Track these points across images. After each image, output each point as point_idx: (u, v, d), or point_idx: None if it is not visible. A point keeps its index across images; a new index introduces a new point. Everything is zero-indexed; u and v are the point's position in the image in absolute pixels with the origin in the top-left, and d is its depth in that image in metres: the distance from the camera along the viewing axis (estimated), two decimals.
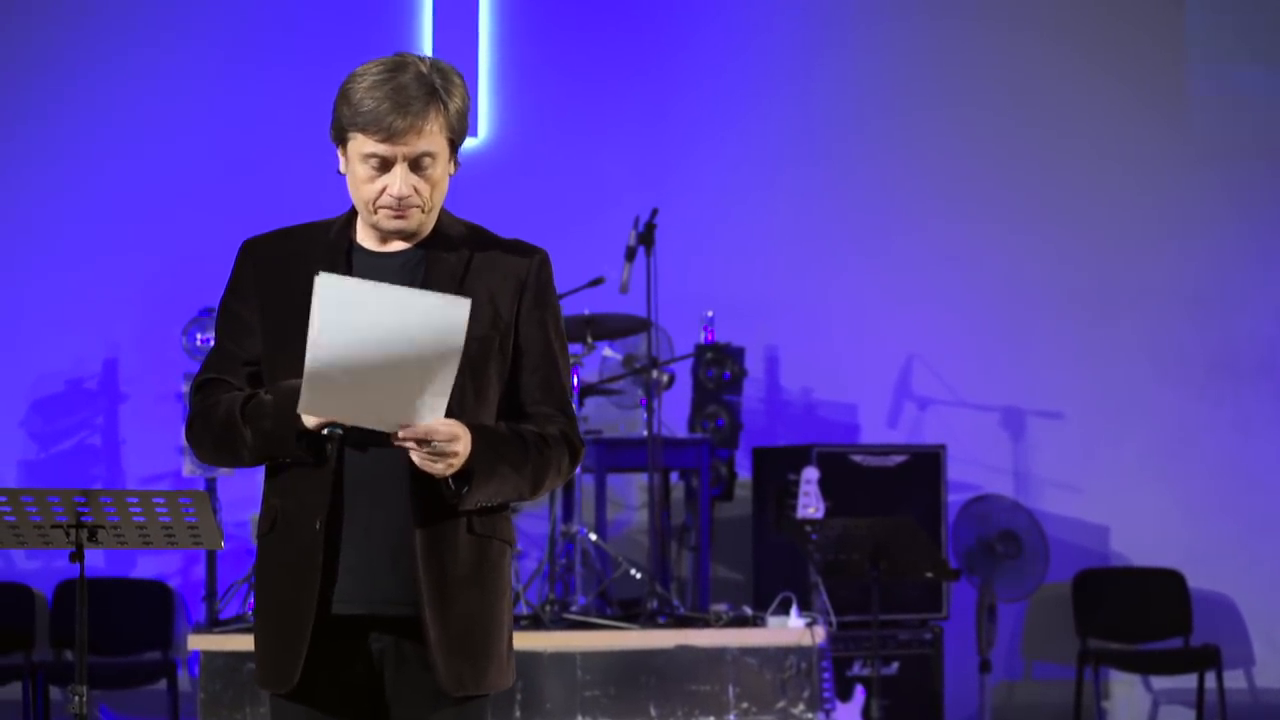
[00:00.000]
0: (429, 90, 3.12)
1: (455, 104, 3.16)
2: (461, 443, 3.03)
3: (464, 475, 3.07)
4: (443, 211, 3.24)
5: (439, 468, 3.03)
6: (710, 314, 7.92)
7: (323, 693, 3.16)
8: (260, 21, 8.34)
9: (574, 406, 3.30)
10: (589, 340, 7.32)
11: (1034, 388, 8.64)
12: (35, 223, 8.18)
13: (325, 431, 3.06)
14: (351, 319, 2.95)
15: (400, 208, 3.15)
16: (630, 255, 7.22)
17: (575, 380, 7.16)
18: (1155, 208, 8.78)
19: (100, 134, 8.20)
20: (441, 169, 3.17)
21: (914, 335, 8.58)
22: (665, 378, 7.51)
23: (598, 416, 7.94)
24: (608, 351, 7.79)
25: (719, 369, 7.80)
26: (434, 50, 8.44)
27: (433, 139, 3.13)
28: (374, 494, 3.12)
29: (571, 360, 7.11)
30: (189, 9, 8.31)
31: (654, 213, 7.25)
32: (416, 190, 3.14)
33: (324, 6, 8.40)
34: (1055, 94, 8.75)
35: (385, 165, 3.13)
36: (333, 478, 3.12)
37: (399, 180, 3.13)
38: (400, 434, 3.01)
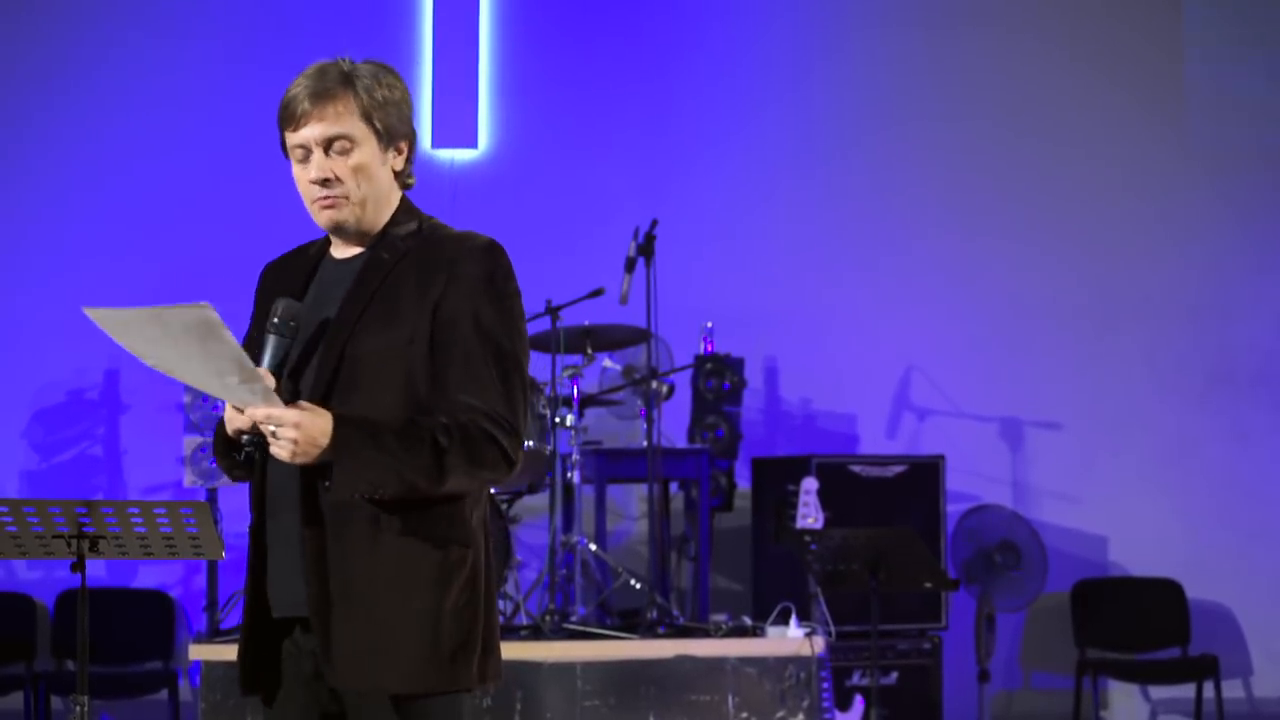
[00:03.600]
0: (339, 76, 3.21)
1: (370, 87, 3.20)
2: (303, 430, 3.02)
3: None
4: (400, 210, 3.27)
5: (284, 454, 3.04)
6: (709, 325, 7.93)
7: (284, 693, 3.24)
8: (261, 31, 8.37)
9: (518, 396, 3.15)
10: (589, 351, 7.33)
11: (1033, 398, 8.65)
12: (36, 233, 8.20)
13: (244, 439, 3.11)
14: (137, 338, 3.11)
15: (327, 194, 3.19)
16: (630, 266, 7.23)
17: (575, 391, 7.18)
18: (1154, 217, 8.79)
19: (101, 144, 8.22)
20: (366, 156, 3.20)
21: (913, 346, 8.59)
22: (665, 388, 7.52)
23: (597, 427, 7.96)
24: (607, 363, 7.80)
25: (718, 380, 7.81)
26: (434, 63, 8.47)
27: (345, 121, 3.18)
28: (287, 499, 3.16)
29: (570, 371, 7.19)
30: (188, 16, 8.34)
31: (654, 224, 7.27)
32: (338, 176, 3.19)
33: (327, 20, 8.42)
34: (1053, 103, 8.77)
35: (308, 155, 3.21)
36: (260, 486, 3.21)
37: (314, 165, 3.19)
38: (245, 413, 3.08)
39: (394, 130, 3.22)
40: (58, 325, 8.09)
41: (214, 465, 7.19)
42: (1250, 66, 8.90)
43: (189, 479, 7.22)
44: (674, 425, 7.87)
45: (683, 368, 7.79)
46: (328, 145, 3.19)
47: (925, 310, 8.59)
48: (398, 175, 3.27)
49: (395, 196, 3.28)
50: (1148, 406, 8.68)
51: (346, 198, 3.20)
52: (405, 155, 3.26)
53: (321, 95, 3.18)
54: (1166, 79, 8.86)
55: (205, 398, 7.19)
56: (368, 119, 3.19)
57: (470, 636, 3.15)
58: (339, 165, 3.19)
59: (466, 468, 3.08)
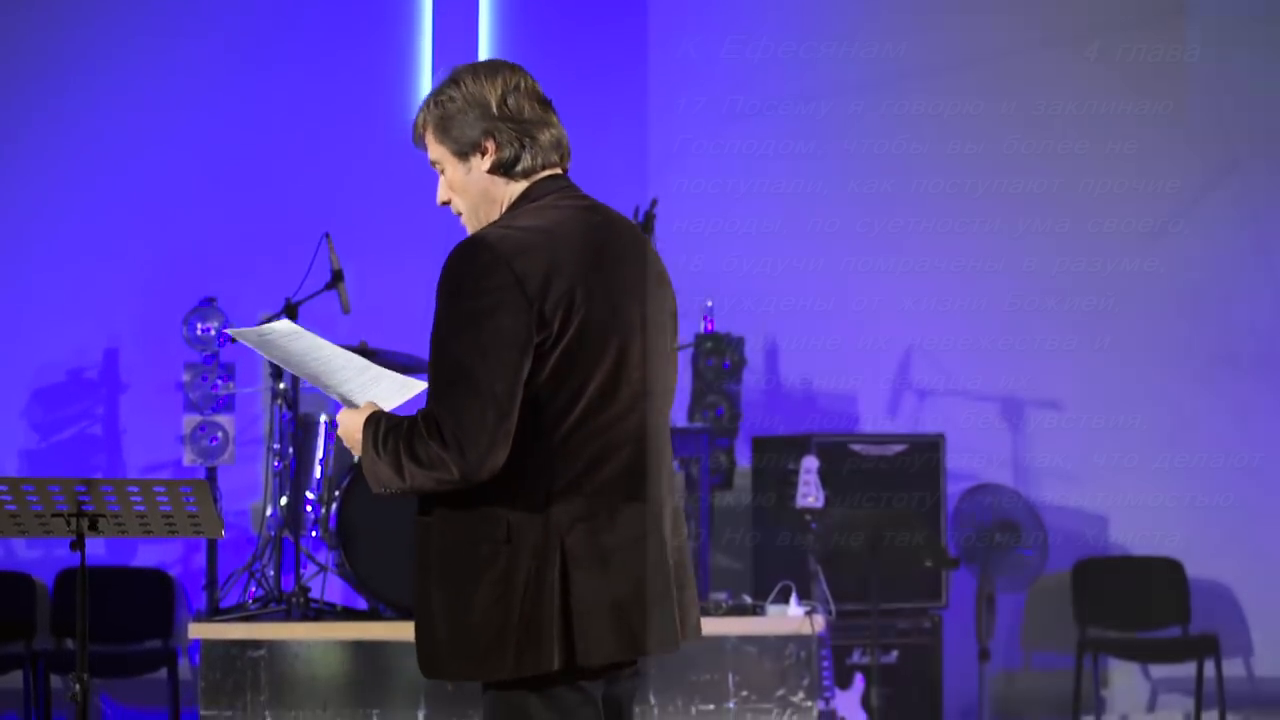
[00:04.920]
0: (427, 99, 3.30)
1: (431, 104, 3.27)
2: (341, 426, 3.23)
3: None
4: (511, 206, 3.26)
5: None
6: (710, 304, 7.93)
7: None
8: (261, 20, 8.34)
9: (461, 403, 3.08)
10: None
11: (1033, 377, 8.64)
12: (36, 213, 8.18)
13: None
14: (276, 353, 3.34)
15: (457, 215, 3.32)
16: None
17: None
18: (1154, 197, 8.78)
19: (101, 125, 8.20)
20: (452, 172, 3.27)
21: (913, 325, 8.58)
22: None
23: None
24: None
25: (719, 358, 7.80)
26: (434, 63, 8.43)
27: (431, 147, 3.28)
28: None
29: None
30: (190, 6, 8.31)
31: (653, 203, 7.25)
32: (448, 197, 3.30)
33: (327, 20, 8.38)
34: (1054, 83, 8.75)
35: None
36: None
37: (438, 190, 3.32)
38: None
39: (460, 138, 3.24)
40: (57, 304, 8.08)
41: (214, 444, 7.19)
42: (1252, 50, 8.88)
43: (188, 458, 7.21)
44: (674, 404, 7.85)
45: (683, 346, 7.78)
46: (438, 169, 3.30)
47: (926, 289, 8.57)
48: (496, 172, 3.26)
49: (505, 194, 3.27)
50: (1148, 386, 8.67)
51: (461, 213, 3.30)
52: (492, 153, 3.24)
53: (417, 123, 3.29)
54: (1168, 61, 8.83)
55: (204, 376, 7.18)
56: (437, 138, 3.25)
57: (502, 630, 3.12)
58: (444, 186, 3.29)
59: (414, 467, 3.09)
